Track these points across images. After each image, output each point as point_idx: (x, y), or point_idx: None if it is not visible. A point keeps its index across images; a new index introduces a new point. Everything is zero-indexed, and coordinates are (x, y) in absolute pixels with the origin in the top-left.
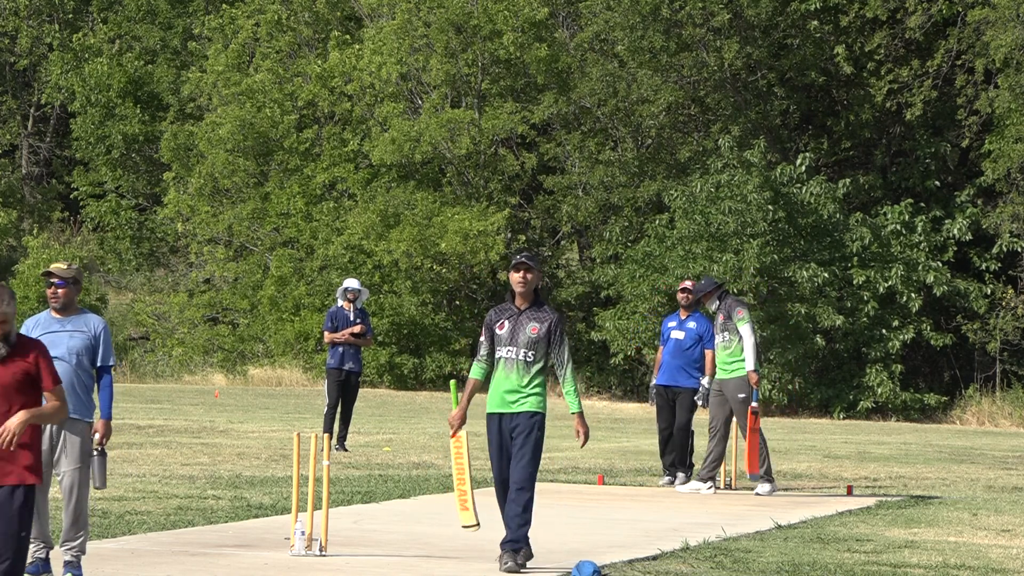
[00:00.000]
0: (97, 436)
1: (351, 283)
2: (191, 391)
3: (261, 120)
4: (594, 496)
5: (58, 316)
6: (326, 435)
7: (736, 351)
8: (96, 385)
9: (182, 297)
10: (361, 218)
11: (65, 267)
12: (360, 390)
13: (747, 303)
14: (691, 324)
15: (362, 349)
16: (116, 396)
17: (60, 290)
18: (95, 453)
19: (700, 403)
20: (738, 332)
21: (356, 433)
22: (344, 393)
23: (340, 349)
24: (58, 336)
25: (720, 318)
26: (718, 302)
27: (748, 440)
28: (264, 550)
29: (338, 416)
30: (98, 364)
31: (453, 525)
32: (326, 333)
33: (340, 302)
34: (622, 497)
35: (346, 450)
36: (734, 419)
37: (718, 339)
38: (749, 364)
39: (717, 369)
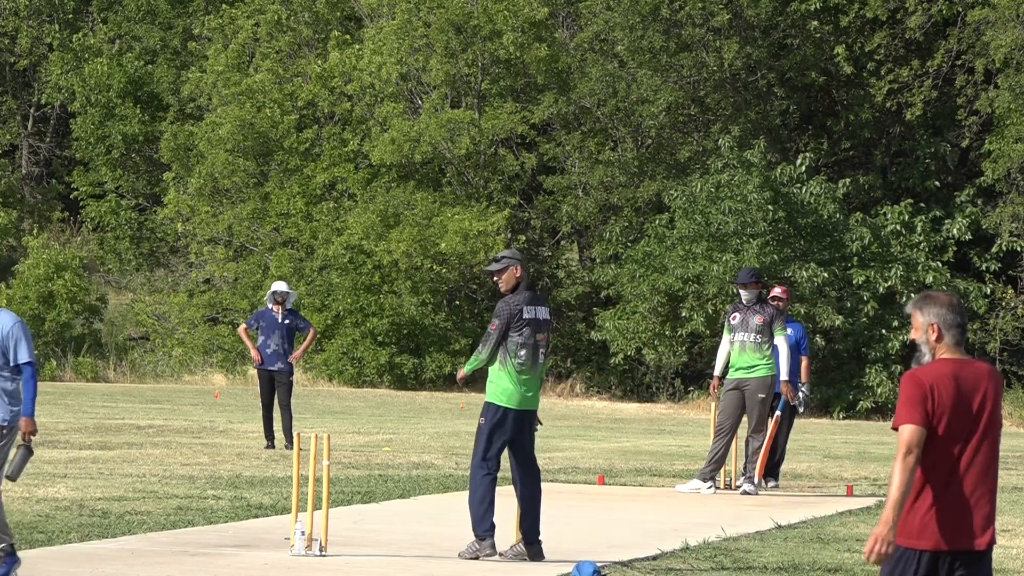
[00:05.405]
0: (23, 433)
1: (279, 286)
2: (191, 391)
3: (261, 120)
4: (594, 496)
5: None
6: (265, 436)
7: (767, 355)
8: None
9: (182, 297)
10: (361, 218)
11: None
12: (360, 390)
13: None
14: (787, 331)
15: (301, 347)
16: (117, 396)
17: None
18: (21, 445)
19: (801, 409)
20: (773, 339)
21: (356, 433)
22: (278, 394)
23: (268, 350)
24: None
25: (759, 319)
26: (760, 304)
27: (766, 445)
28: (264, 550)
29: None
30: (11, 363)
31: (453, 525)
32: (244, 328)
33: (269, 304)
34: (622, 497)
35: (286, 447)
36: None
37: (751, 337)
38: (784, 375)
39: (743, 368)
